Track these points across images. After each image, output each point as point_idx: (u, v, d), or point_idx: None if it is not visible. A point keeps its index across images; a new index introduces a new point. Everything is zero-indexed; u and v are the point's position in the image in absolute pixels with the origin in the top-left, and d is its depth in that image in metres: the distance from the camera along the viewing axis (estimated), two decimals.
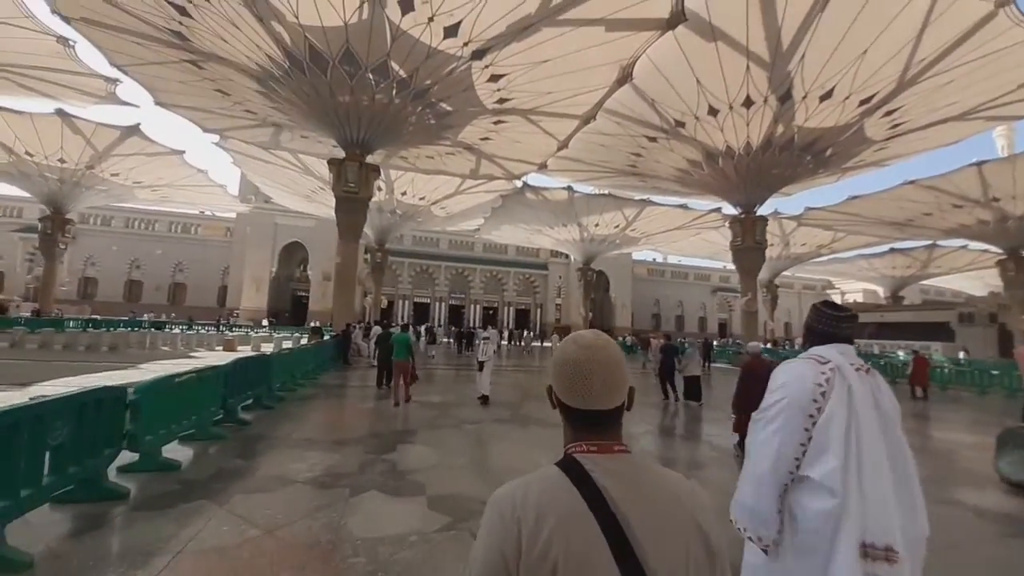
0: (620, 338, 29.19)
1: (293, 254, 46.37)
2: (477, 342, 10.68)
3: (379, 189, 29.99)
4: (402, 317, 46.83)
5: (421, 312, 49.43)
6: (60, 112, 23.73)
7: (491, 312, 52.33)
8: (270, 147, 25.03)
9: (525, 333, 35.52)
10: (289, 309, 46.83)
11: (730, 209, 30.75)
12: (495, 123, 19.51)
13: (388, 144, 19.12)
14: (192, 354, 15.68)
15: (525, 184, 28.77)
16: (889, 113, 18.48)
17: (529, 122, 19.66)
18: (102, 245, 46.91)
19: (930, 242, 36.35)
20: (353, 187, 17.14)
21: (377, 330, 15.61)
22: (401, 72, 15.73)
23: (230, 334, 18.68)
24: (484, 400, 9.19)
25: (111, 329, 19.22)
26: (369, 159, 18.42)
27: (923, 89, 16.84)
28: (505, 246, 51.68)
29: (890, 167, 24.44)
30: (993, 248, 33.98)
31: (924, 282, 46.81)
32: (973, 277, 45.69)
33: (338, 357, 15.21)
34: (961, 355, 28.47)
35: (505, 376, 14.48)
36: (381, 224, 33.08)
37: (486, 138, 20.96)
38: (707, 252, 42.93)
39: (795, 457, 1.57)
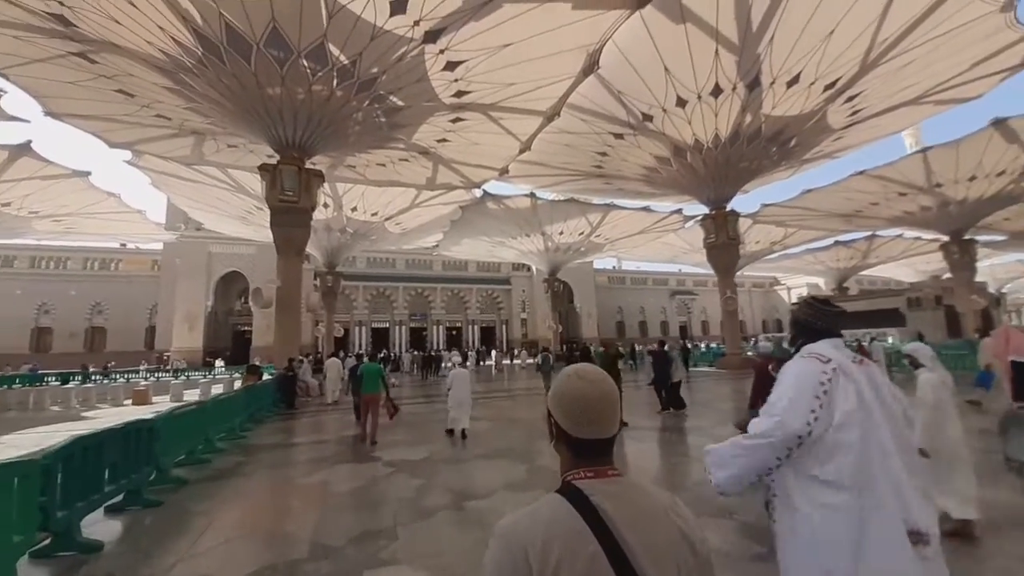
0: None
1: (232, 285, 41.76)
2: (446, 365, 8.97)
3: (325, 206, 26.93)
4: (360, 345, 43.04)
5: (380, 338, 45.77)
6: None
7: (455, 332, 49.45)
8: (192, 162, 21.51)
9: (493, 352, 32.97)
10: (230, 347, 41.79)
11: (692, 210, 30.30)
12: (453, 121, 17.39)
13: (332, 147, 16.44)
14: (84, 415, 12.07)
15: (485, 193, 26.75)
16: (851, 99, 18.10)
17: (490, 119, 17.70)
18: (3, 290, 40.18)
19: (870, 232, 37.70)
20: (291, 195, 14.29)
21: (350, 362, 13.28)
22: (342, 57, 13.31)
23: (143, 383, 15.01)
24: (462, 435, 7.78)
25: None
26: (310, 165, 15.65)
27: (884, 72, 16.47)
28: (465, 262, 49.28)
29: (840, 160, 24.63)
30: (926, 235, 35.65)
31: (863, 272, 48.79)
32: (905, 265, 48.27)
33: (281, 400, 12.21)
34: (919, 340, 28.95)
35: (486, 405, 12.02)
36: (330, 245, 29.83)
37: (443, 140, 18.78)
38: (667, 256, 42.57)
39: (798, 436, 1.55)
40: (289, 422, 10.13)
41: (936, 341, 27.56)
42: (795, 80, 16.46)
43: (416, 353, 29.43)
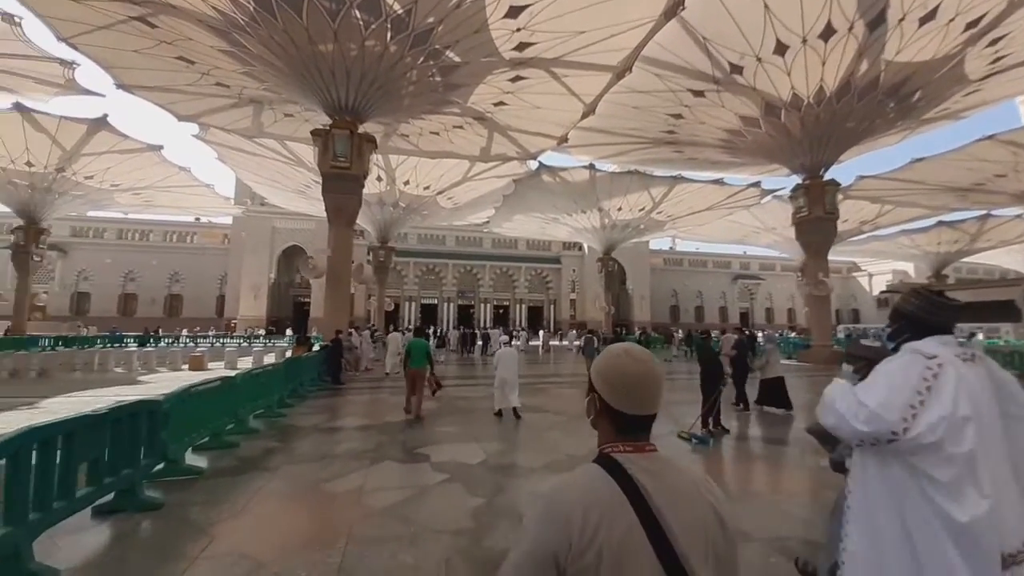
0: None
1: (293, 259, 42.76)
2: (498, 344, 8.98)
3: (379, 179, 26.30)
4: (409, 320, 43.18)
5: (429, 314, 45.75)
6: (19, 107, 20.20)
7: (502, 311, 48.57)
8: (252, 134, 21.31)
9: (541, 332, 31.57)
10: (291, 317, 43.31)
11: (771, 183, 26.93)
12: (512, 80, 15.69)
13: (385, 111, 15.29)
14: (140, 379, 11.96)
15: (541, 165, 24.94)
16: (994, 42, 14.52)
17: (552, 77, 15.82)
18: (95, 258, 43.71)
19: (984, 212, 32.23)
20: (343, 161, 13.35)
21: (408, 337, 12.43)
22: (396, 6, 11.95)
23: (199, 349, 15.00)
24: (515, 415, 7.55)
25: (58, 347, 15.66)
26: (363, 130, 14.61)
27: None
28: (515, 240, 47.89)
29: (950, 130, 20.41)
30: None
31: (965, 259, 42.30)
32: (1016, 251, 41.34)
33: (326, 374, 11.48)
34: None
35: (536, 392, 10.59)
36: (383, 219, 29.34)
37: (500, 103, 17.14)
38: (735, 236, 38.80)
39: (892, 431, 1.41)
40: (334, 399, 9.25)
41: None
42: (931, 15, 13.23)
43: (464, 330, 28.55)
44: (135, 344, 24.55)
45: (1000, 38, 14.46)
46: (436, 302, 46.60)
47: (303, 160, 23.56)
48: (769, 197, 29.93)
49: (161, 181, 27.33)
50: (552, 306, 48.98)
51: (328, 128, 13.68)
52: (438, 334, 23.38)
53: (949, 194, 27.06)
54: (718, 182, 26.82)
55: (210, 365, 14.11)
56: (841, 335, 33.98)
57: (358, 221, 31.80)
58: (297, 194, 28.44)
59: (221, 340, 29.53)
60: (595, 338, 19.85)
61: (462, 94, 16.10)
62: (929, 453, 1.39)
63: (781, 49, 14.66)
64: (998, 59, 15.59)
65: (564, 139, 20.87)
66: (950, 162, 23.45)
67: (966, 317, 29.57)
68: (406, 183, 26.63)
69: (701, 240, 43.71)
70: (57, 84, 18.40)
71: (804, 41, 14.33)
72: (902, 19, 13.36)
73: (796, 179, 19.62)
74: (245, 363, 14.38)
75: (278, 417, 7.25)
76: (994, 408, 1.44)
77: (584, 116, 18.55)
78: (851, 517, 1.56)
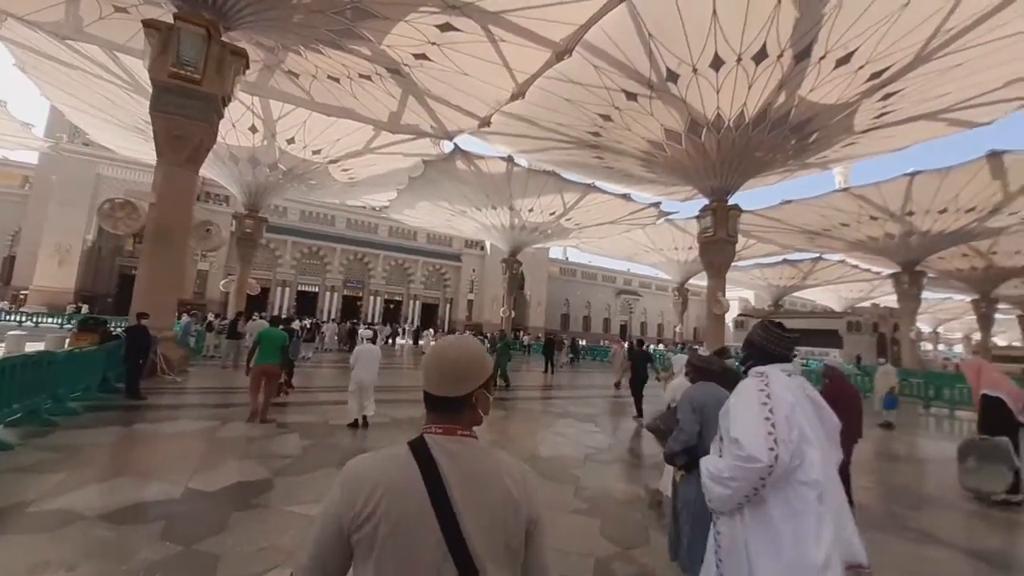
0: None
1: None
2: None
3: (253, 131, 21.01)
4: (280, 308, 36.71)
5: (307, 302, 39.56)
6: None
7: (392, 306, 44.31)
8: (67, 34, 14.85)
9: (425, 332, 28.58)
10: (114, 292, 33.61)
11: (671, 205, 27.98)
12: (441, 28, 12.88)
13: (264, 20, 11.16)
14: None
15: (456, 148, 22.25)
16: (887, 97, 16.00)
17: (488, 38, 13.41)
18: None
19: (818, 255, 38.11)
20: (190, 70, 9.08)
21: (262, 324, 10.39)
22: None
23: None
24: (363, 423, 6.64)
25: None
26: (228, 39, 10.39)
27: (932, 69, 14.38)
28: (414, 232, 44.06)
29: (799, 182, 23.16)
30: (868, 264, 36.47)
31: (795, 294, 50.24)
32: (831, 291, 50.42)
33: (120, 379, 7.39)
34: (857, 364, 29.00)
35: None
36: (255, 182, 23.72)
37: (422, 56, 14.16)
38: (626, 252, 40.44)
39: (769, 467, 1.59)
40: (102, 431, 5.38)
41: (869, 363, 27.73)
42: (846, 59, 13.88)
43: (352, 324, 24.34)
44: None
45: (892, 94, 15.92)
46: (317, 290, 40.51)
47: (143, 85, 17.45)
48: (663, 219, 31.34)
49: None
50: (448, 305, 46.14)
51: (172, 24, 9.27)
52: (308, 327, 18.94)
53: (801, 236, 30.99)
54: (626, 197, 26.97)
55: None
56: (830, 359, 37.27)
57: (220, 180, 25.52)
58: (135, 131, 21.40)
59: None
60: (493, 340, 18.13)
61: (376, 29, 12.74)
62: (791, 477, 1.60)
63: (717, 63, 14.29)
64: (882, 115, 17.36)
65: (487, 122, 18.56)
66: (812, 207, 26.61)
67: (801, 342, 34.46)
68: (290, 141, 21.71)
69: (598, 253, 44.89)
70: None
71: (739, 60, 14.12)
72: (823, 57, 13.82)
73: (690, 206, 20.22)
74: None
75: None
76: (812, 416, 1.71)
77: (513, 98, 16.50)
78: (725, 559, 1.67)
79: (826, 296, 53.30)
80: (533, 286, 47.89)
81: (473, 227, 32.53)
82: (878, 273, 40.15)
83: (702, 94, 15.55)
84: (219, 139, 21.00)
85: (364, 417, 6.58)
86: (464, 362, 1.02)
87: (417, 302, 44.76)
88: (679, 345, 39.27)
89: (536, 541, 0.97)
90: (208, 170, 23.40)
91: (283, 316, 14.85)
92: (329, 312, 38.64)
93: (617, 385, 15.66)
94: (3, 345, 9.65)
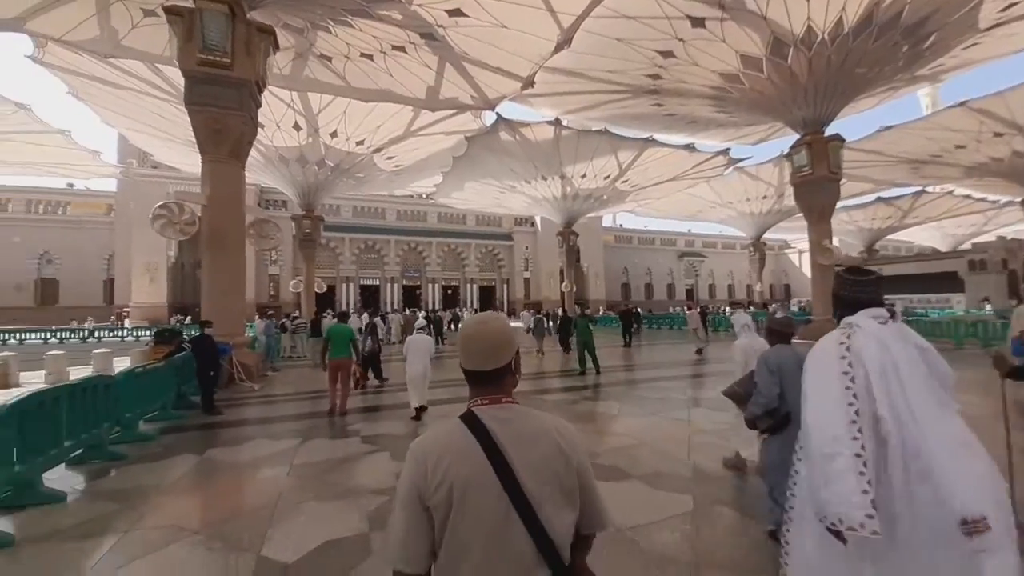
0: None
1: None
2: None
3: (297, 128, 20.78)
4: (347, 303, 37.74)
5: (370, 296, 40.45)
6: None
7: (451, 291, 44.29)
8: (107, 51, 14.98)
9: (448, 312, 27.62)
10: (200, 303, 36.13)
11: (740, 152, 24.89)
12: None
13: None
14: None
15: (499, 118, 20.77)
16: None
17: None
18: None
19: (920, 188, 32.85)
20: (218, 54, 8.42)
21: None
22: None
23: (4, 353, 9.53)
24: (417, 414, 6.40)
25: None
26: (255, 16, 9.62)
27: None
28: (463, 215, 43.45)
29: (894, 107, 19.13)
30: (988, 195, 30.90)
31: (890, 237, 44.15)
32: (931, 229, 43.76)
33: (195, 393, 7.03)
34: (988, 307, 24.76)
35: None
36: (306, 181, 23.77)
37: (456, 12, 12.74)
38: (689, 211, 37.19)
39: (851, 421, 1.39)
40: (172, 465, 4.80)
41: (1001, 307, 23.53)
42: None
43: (412, 312, 24.02)
44: None
45: None
46: (378, 283, 41.28)
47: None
48: (731, 168, 28.12)
49: None
50: (505, 285, 45.43)
51: (193, 7, 8.57)
52: (365, 325, 18.55)
53: (902, 167, 26.57)
54: (689, 147, 24.24)
55: (24, 382, 8.89)
56: (795, 308, 33.70)
57: (274, 184, 25.94)
58: (190, 145, 21.93)
59: (89, 333, 23.03)
60: (544, 319, 17.08)
61: None
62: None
63: None
64: (1009, 6, 13.77)
65: (530, 81, 16.85)
66: (915, 131, 22.51)
67: (913, 289, 30.05)
68: (333, 135, 21.31)
69: (656, 215, 41.75)
70: None
71: None
72: None
73: (763, 149, 17.41)
74: (81, 371, 9.32)
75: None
76: (920, 365, 1.48)
77: (558, 48, 14.66)
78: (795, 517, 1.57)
79: (926, 235, 46.45)
80: (589, 257, 45.82)
81: (523, 202, 31.09)
82: (995, 202, 34.05)
83: (787, 5, 12.90)
84: (267, 142, 21.23)
85: (420, 408, 6.44)
86: (498, 335, 1.09)
87: (474, 286, 44.42)
88: (749, 305, 35.80)
89: (587, 483, 1.06)
90: (262, 174, 23.79)
91: (344, 312, 14.52)
92: (392, 303, 39.27)
93: (699, 352, 14.07)
94: (91, 366, 9.84)
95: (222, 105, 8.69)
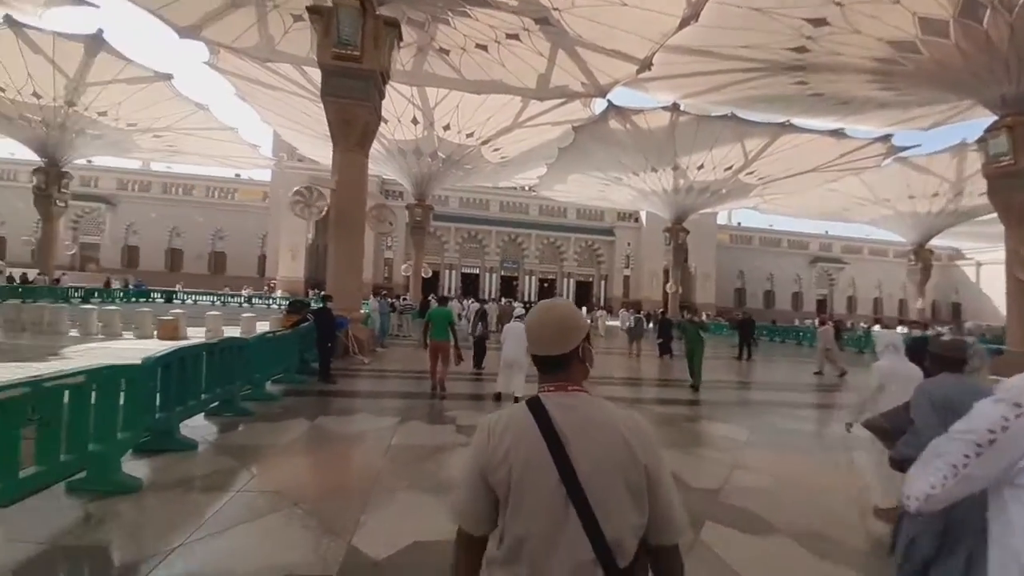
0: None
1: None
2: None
3: (415, 122, 22.01)
4: (449, 289, 39.64)
5: (469, 284, 42.04)
6: (9, 21, 17.19)
7: (547, 284, 44.10)
8: (265, 56, 17.31)
9: (599, 312, 26.28)
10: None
11: (907, 138, 20.45)
12: None
13: None
14: (64, 350, 8.48)
15: (610, 105, 19.70)
16: None
17: None
18: (141, 212, 42.73)
19: None
20: (350, 48, 9.04)
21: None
22: None
23: (176, 311, 11.58)
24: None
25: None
26: (383, 11, 10.16)
27: None
28: (564, 209, 42.81)
29: None
30: None
31: None
32: None
33: (315, 360, 7.62)
34: None
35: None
36: (420, 172, 25.21)
37: None
38: (829, 209, 32.00)
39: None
40: (288, 428, 5.11)
41: None
42: None
43: (507, 302, 24.00)
44: (161, 299, 22.19)
45: None
46: (478, 271, 42.75)
47: None
48: (889, 159, 23.35)
49: (180, 122, 24.28)
50: (603, 282, 43.98)
51: (331, 5, 9.28)
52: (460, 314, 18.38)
53: None
54: (837, 134, 20.61)
55: (187, 335, 10.68)
56: (970, 336, 27.16)
57: (393, 175, 28.00)
58: (327, 139, 24.62)
59: (248, 300, 27.18)
60: (643, 319, 15.78)
61: None
62: None
63: None
64: None
65: (647, 64, 15.56)
66: None
67: None
68: (446, 128, 22.19)
69: (785, 213, 36.73)
70: None
71: None
72: None
73: (936, 136, 13.54)
74: (232, 330, 10.86)
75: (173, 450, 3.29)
76: None
77: (683, 24, 13.23)
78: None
79: None
80: (698, 257, 42.09)
81: (628, 196, 29.47)
82: None
83: None
84: (389, 136, 22.94)
85: (515, 397, 6.48)
86: (564, 319, 1.07)
87: (571, 280, 43.70)
88: (903, 324, 29.25)
89: (657, 479, 0.98)
90: (384, 165, 25.80)
91: (445, 296, 14.97)
92: (489, 292, 40.39)
93: (818, 373, 11.83)
94: (240, 327, 11.33)
95: (351, 96, 9.36)
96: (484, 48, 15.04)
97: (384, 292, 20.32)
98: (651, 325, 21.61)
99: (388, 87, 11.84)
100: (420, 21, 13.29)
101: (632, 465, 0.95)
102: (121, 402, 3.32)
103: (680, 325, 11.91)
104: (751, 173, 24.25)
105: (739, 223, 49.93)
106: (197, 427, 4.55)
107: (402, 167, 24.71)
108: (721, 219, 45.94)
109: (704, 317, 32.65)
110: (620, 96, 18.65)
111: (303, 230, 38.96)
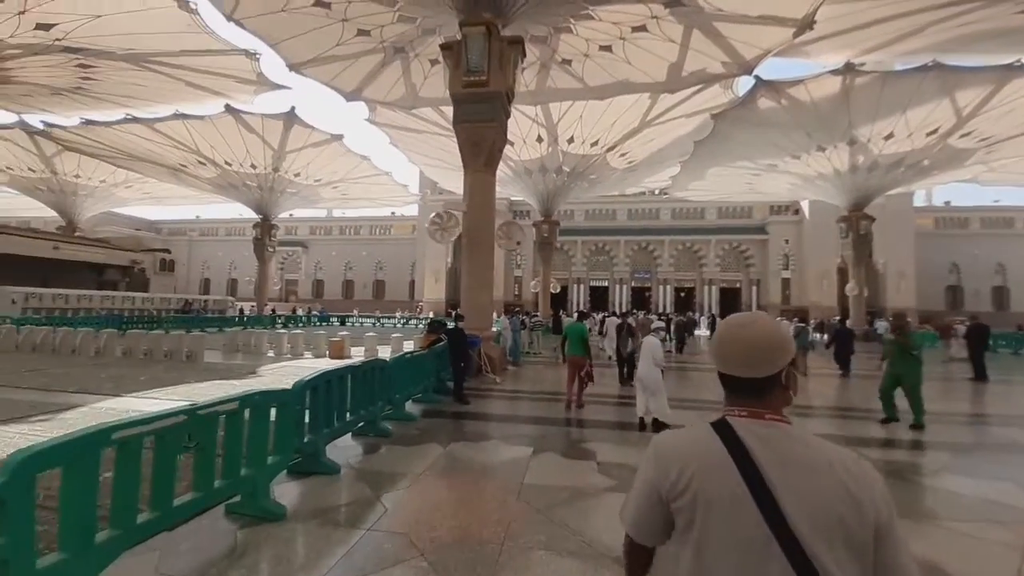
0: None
1: None
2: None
3: (539, 140, 22.16)
4: (577, 303, 38.84)
5: (598, 297, 40.60)
6: (229, 109, 22.52)
7: (684, 294, 40.10)
8: (410, 104, 19.35)
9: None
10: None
11: None
12: None
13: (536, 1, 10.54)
14: (259, 369, 10.05)
15: (758, 81, 16.95)
16: None
17: None
18: (325, 252, 51.96)
19: None
20: (478, 75, 9.21)
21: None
22: None
23: (343, 333, 13.15)
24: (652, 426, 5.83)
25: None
26: (508, 31, 10.25)
27: None
28: (702, 209, 38.73)
29: None
30: None
31: None
32: None
33: (448, 379, 7.62)
34: None
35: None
36: (545, 188, 25.26)
37: None
38: None
39: None
40: (423, 453, 4.84)
41: None
42: None
43: (644, 315, 22.13)
44: (331, 322, 26.39)
45: None
46: (607, 284, 41.16)
47: None
48: None
49: (350, 172, 28.78)
50: (754, 287, 38.22)
51: (461, 39, 9.66)
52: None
53: None
54: None
55: (350, 353, 12.03)
56: None
57: (519, 195, 28.70)
58: (457, 170, 26.52)
59: (400, 320, 30.36)
60: (808, 329, 13.61)
61: None
62: None
63: None
64: None
65: (808, 23, 12.88)
66: None
67: None
68: (570, 140, 21.83)
69: (1020, 184, 27.16)
70: (250, 80, 19.28)
71: None
72: None
73: None
74: (384, 350, 11.88)
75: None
76: None
77: None
78: None
79: None
80: (888, 250, 33.61)
81: (786, 184, 25.05)
82: None
83: None
84: (515, 157, 23.60)
85: (653, 420, 5.85)
86: (770, 338, 0.94)
87: (713, 287, 38.98)
88: None
89: (890, 545, 0.81)
90: (511, 186, 26.63)
91: (583, 311, 14.30)
92: (620, 304, 38.40)
93: None
94: (389, 347, 12.30)
95: (479, 118, 9.53)
96: (608, 48, 14.24)
97: (517, 309, 20.55)
98: (821, 336, 17.98)
99: (513, 108, 11.94)
100: (542, 36, 13.20)
101: (858, 519, 0.79)
102: (272, 427, 3.38)
103: (883, 340, 9.11)
104: (967, 135, 18.34)
105: (947, 202, 38.77)
106: (344, 447, 4.63)
107: (528, 186, 25.12)
108: (918, 200, 36.24)
109: (920, 325, 25.73)
110: (769, 69, 15.93)
111: (443, 255, 42.60)
